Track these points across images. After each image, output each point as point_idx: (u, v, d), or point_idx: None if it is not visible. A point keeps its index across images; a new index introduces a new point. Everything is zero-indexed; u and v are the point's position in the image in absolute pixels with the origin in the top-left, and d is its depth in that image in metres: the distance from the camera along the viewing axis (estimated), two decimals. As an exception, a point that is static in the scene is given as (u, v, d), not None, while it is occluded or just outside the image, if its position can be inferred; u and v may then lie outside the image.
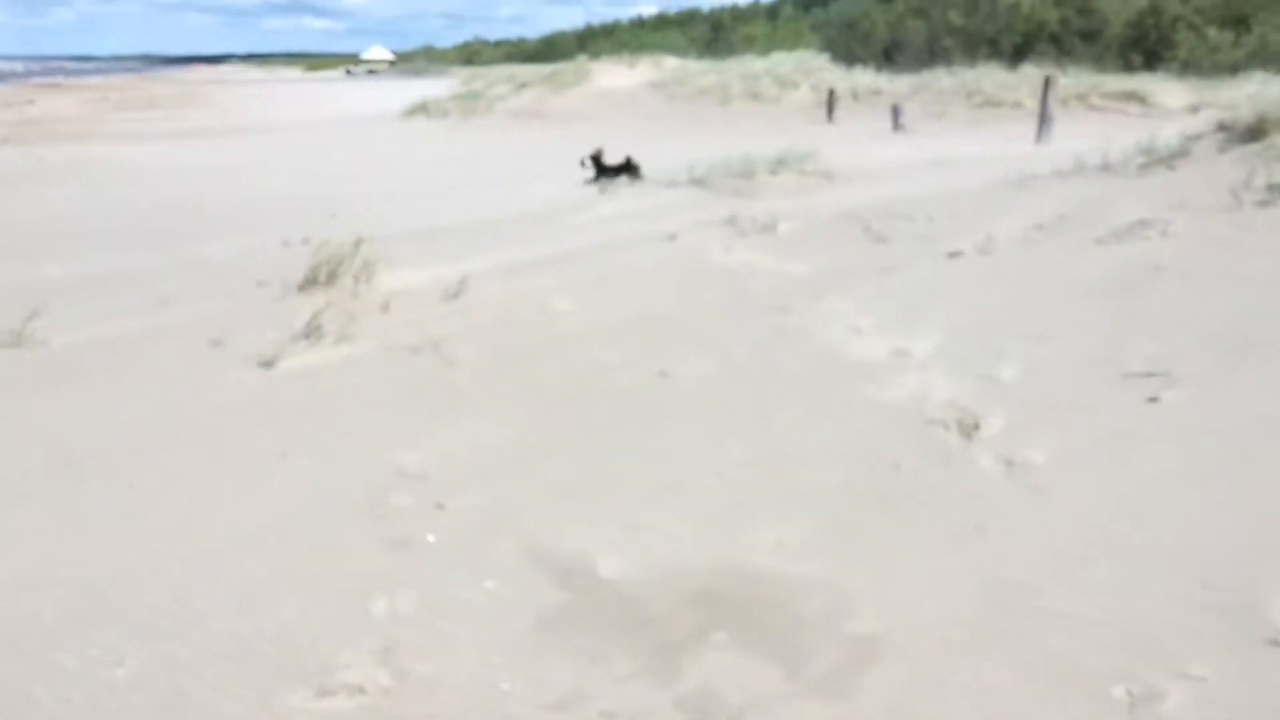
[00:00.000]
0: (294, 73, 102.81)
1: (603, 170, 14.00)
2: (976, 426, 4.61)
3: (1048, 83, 19.16)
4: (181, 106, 44.61)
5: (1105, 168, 11.09)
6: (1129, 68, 27.40)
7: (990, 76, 26.27)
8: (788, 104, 28.98)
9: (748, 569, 3.56)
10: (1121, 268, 6.89)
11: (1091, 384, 4.98)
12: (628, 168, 13.93)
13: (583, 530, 3.89)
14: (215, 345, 6.29)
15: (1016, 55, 30.90)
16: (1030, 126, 20.98)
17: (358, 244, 7.82)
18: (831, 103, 26.07)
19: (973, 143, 18.56)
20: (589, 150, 14.35)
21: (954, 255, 7.92)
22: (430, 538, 3.88)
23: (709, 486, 4.22)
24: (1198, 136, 10.86)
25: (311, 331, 6.44)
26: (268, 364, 5.93)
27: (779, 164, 13.28)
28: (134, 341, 6.43)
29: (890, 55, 44.20)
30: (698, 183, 12.69)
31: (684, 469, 4.39)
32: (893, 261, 7.95)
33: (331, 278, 7.69)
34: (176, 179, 16.67)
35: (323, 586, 3.54)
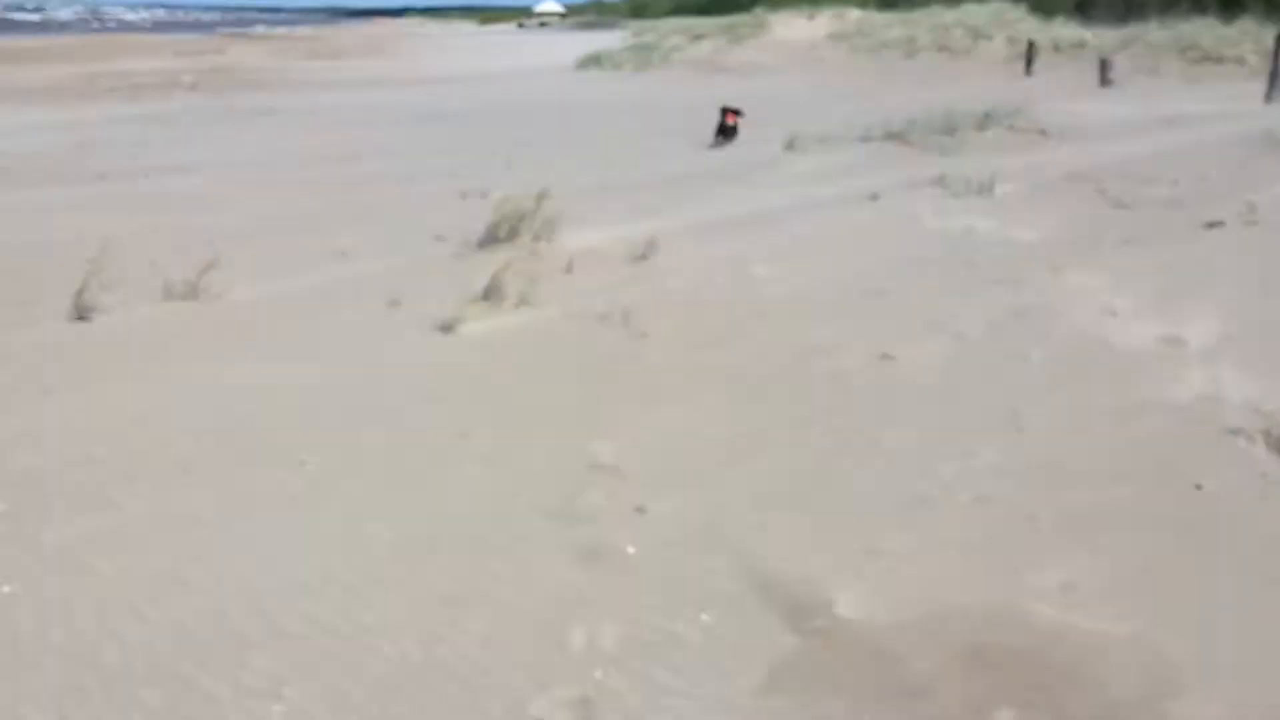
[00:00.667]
0: (469, 26, 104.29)
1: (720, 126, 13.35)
2: (1294, 441, 3.72)
3: (1279, 38, 17.15)
4: (364, 57, 45.43)
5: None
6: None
7: (1208, 30, 23.89)
8: (980, 57, 27.19)
9: (1030, 620, 2.83)
10: None
11: None
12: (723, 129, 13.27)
13: (811, 551, 3.23)
14: (393, 305, 5.86)
15: (1224, 8, 28.15)
16: (1255, 84, 18.95)
17: (539, 199, 7.30)
18: (1031, 55, 24.28)
19: (1194, 101, 16.77)
20: (724, 106, 13.62)
21: (1213, 225, 6.85)
22: (630, 549, 3.28)
23: (963, 503, 3.48)
24: None
25: (492, 293, 5.95)
26: (447, 328, 5.46)
27: (986, 119, 12.16)
28: (310, 298, 6.07)
29: (1084, 7, 41.33)
30: (895, 138, 11.70)
31: (928, 478, 3.66)
32: (1139, 231, 6.93)
33: (512, 234, 7.20)
34: (357, 127, 16.61)
35: (510, 606, 2.99)
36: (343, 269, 6.69)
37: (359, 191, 9.86)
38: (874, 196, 8.48)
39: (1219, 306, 5.21)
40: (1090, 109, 14.45)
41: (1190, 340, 4.85)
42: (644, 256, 6.78)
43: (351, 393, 4.63)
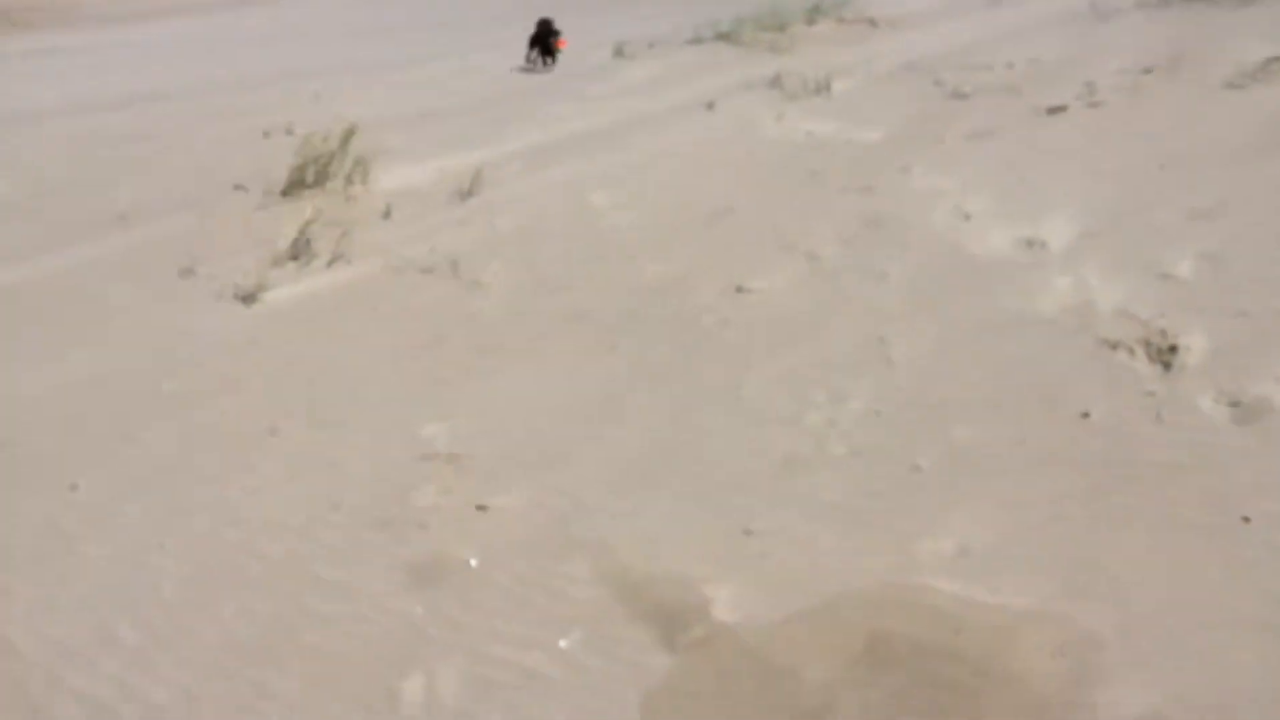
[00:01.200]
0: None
1: (538, 43, 11.13)
2: (1173, 349, 3.49)
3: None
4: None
5: (1199, -5, 9.66)
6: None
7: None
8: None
9: (930, 601, 2.51)
10: (1274, 119, 5.64)
11: (1306, 280, 3.84)
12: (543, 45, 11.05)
13: (680, 540, 2.84)
14: (185, 274, 5.15)
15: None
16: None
17: (348, 136, 6.59)
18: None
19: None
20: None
21: (1055, 111, 6.67)
22: (473, 561, 2.83)
23: (838, 459, 3.14)
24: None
25: (300, 250, 5.31)
26: (249, 297, 4.81)
27: (814, 11, 11.82)
28: (86, 276, 5.28)
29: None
30: (725, 37, 11.24)
31: (798, 433, 3.30)
32: (982, 122, 6.70)
33: (321, 178, 6.49)
34: (141, 65, 15.12)
35: (329, 655, 2.51)
36: (123, 237, 5.88)
37: (143, 140, 8.84)
38: (710, 105, 8.04)
39: (1074, 201, 4.99)
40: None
41: (1050, 241, 4.61)
42: (470, 192, 6.19)
43: (135, 390, 3.98)
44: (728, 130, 7.27)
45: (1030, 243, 4.62)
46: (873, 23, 11.27)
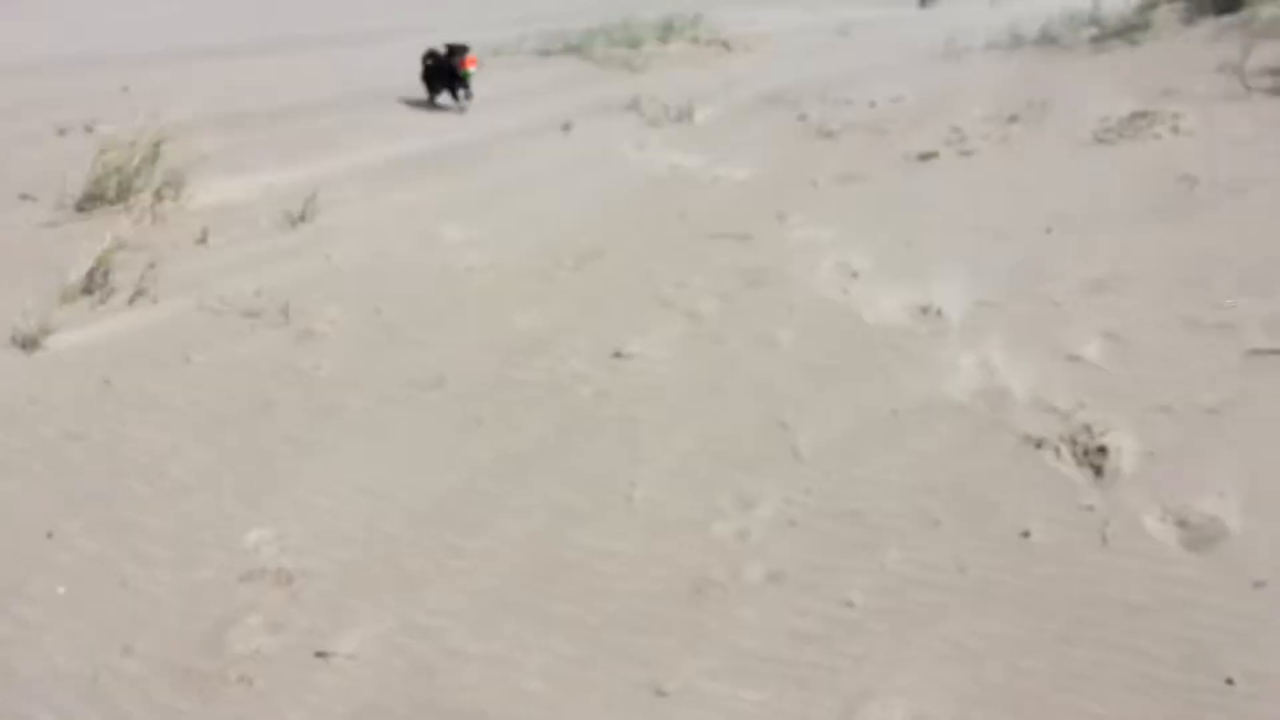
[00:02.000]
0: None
1: (442, 78, 8.53)
2: (1101, 450, 3.19)
3: (934, -62, 17.68)
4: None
5: (1048, 39, 9.78)
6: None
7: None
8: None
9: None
10: (1153, 178, 5.55)
11: (1220, 360, 3.62)
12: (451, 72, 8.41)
13: (579, 707, 2.32)
14: (-51, 310, 4.29)
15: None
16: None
17: (158, 144, 5.77)
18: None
19: (854, 5, 16.99)
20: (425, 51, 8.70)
21: (927, 157, 6.46)
22: (313, 732, 2.23)
23: (757, 587, 2.66)
24: (1152, 4, 9.64)
25: (96, 283, 4.52)
26: (29, 343, 4.02)
27: (668, 30, 11.49)
28: None
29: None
30: (575, 51, 10.77)
31: (708, 549, 2.82)
32: (852, 164, 6.43)
33: (124, 191, 5.66)
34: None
35: None
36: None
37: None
38: (566, 126, 7.54)
39: (963, 263, 4.72)
40: (763, 16, 14.11)
41: (944, 309, 4.30)
42: (302, 216, 5.49)
43: (-128, 471, 3.17)
44: (587, 157, 6.78)
45: (925, 310, 4.30)
46: (726, 45, 11.02)
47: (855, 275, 4.72)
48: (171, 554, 2.81)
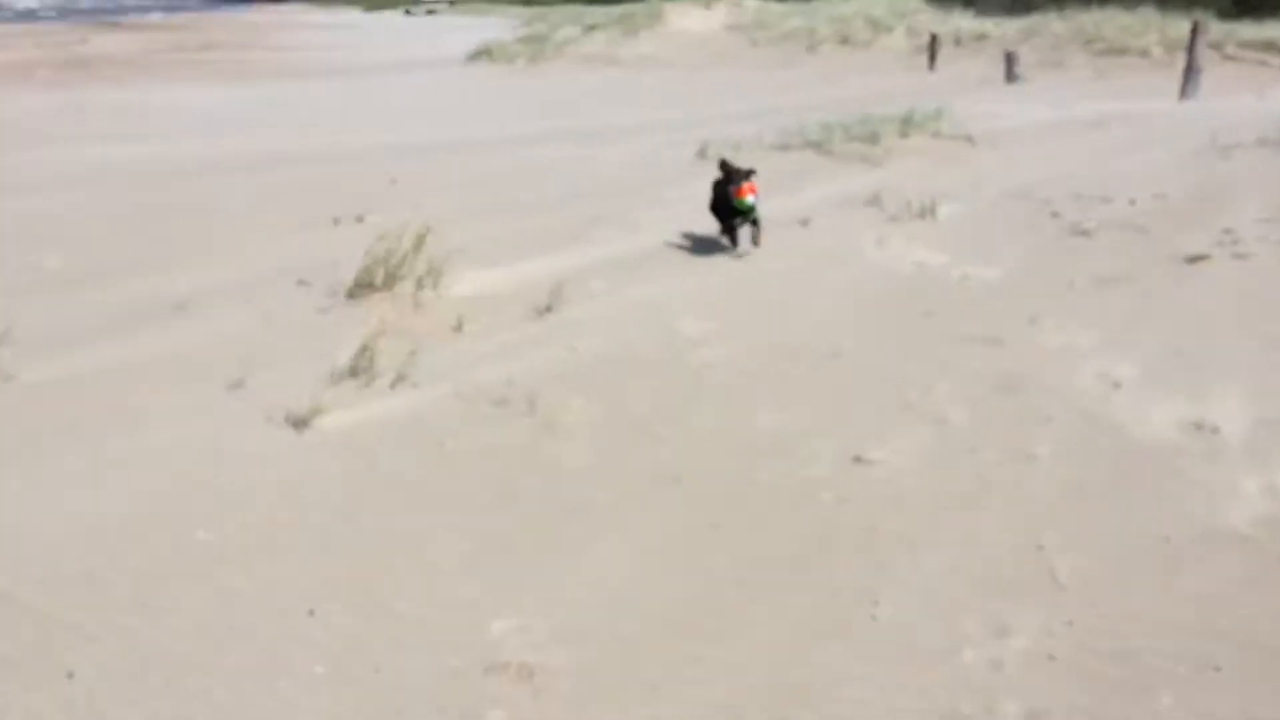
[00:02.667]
0: (354, 13, 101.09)
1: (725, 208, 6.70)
2: None
3: (1195, 29, 16.77)
4: (239, 49, 42.98)
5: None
6: (1241, 13, 24.41)
7: (1111, 21, 23.69)
8: (881, 49, 26.61)
9: None
10: None
11: None
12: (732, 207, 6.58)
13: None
14: (235, 387, 4.65)
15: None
16: (1163, 77, 18.69)
17: (422, 237, 6.13)
18: (934, 49, 23.76)
19: (1107, 97, 16.30)
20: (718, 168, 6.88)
21: (1196, 259, 6.04)
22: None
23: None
24: None
25: (361, 368, 4.80)
26: (300, 422, 4.29)
27: (907, 124, 11.33)
28: (126, 377, 4.80)
29: (975, -3, 41.52)
30: (814, 146, 10.78)
31: (958, 679, 2.66)
32: (1112, 265, 6.09)
33: (390, 280, 6.02)
34: (216, 133, 15.00)
35: None
36: (177, 329, 5.43)
37: (211, 215, 8.50)
38: (804, 221, 7.52)
39: (1241, 376, 4.36)
40: (1009, 110, 13.76)
41: (1221, 425, 3.97)
42: (549, 308, 5.68)
43: (166, 536, 3.44)
44: (827, 253, 6.73)
45: (1199, 426, 3.98)
46: (970, 140, 10.76)
47: (1118, 385, 4.44)
48: (423, 639, 2.89)
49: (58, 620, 2.97)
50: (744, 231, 6.75)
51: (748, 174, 6.52)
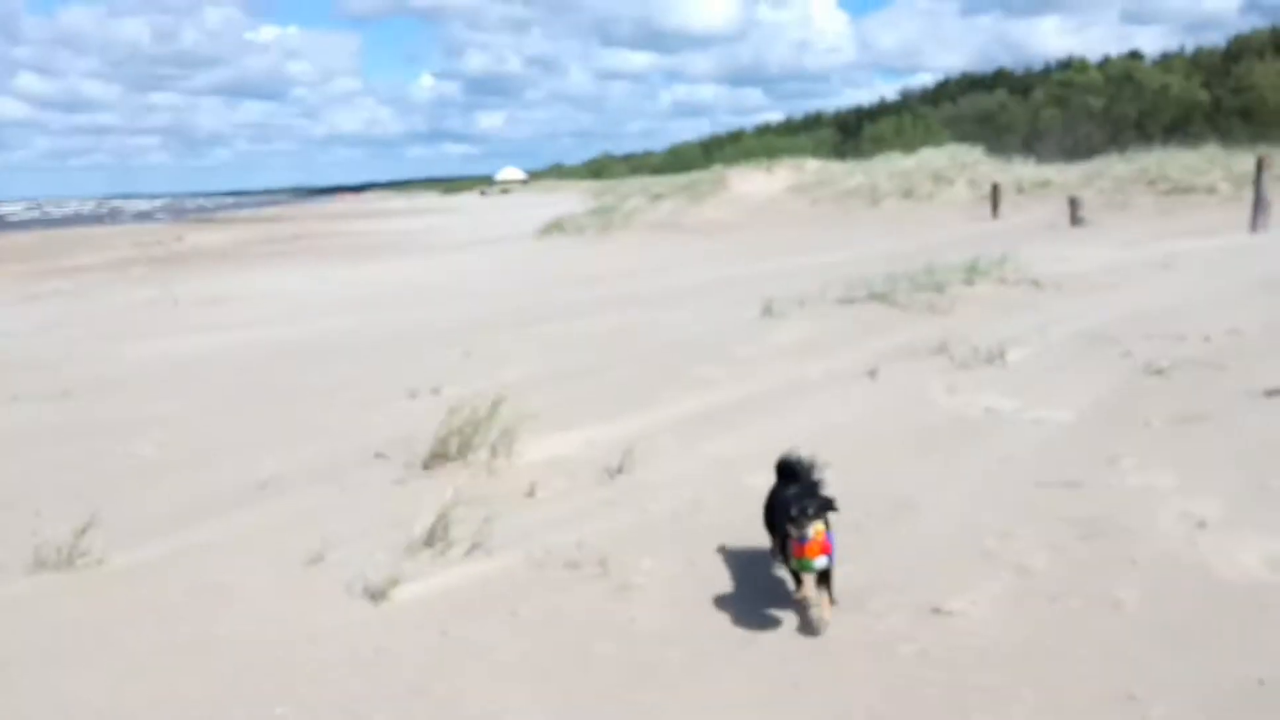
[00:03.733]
0: (431, 196, 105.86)
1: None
2: None
3: (1261, 164, 16.82)
4: (325, 237, 45.19)
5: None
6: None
7: (1174, 160, 23.86)
8: (943, 201, 27.08)
9: None
10: None
11: None
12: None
13: None
14: (313, 562, 4.74)
15: (1166, 137, 28.71)
16: (1231, 212, 18.66)
17: (496, 405, 6.28)
18: (996, 197, 24.09)
19: (1177, 237, 16.27)
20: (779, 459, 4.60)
21: (1274, 394, 5.91)
22: None
23: None
24: None
25: (437, 537, 4.87)
26: (378, 595, 4.34)
27: (972, 272, 11.42)
28: (209, 558, 4.93)
29: (1031, 145, 42.27)
30: (879, 298, 10.89)
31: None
32: (1189, 403, 5.99)
33: (464, 449, 6.15)
34: (301, 317, 15.64)
35: None
36: (259, 509, 5.59)
37: (296, 395, 8.82)
38: (872, 372, 7.55)
39: (1333, 510, 4.21)
40: (1075, 253, 13.82)
41: (1317, 564, 3.81)
42: (620, 469, 5.74)
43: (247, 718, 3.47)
44: (896, 403, 6.73)
45: (1294, 567, 3.83)
46: (1037, 284, 10.79)
47: (1203, 524, 4.31)
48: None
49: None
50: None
51: (821, 508, 3.93)
